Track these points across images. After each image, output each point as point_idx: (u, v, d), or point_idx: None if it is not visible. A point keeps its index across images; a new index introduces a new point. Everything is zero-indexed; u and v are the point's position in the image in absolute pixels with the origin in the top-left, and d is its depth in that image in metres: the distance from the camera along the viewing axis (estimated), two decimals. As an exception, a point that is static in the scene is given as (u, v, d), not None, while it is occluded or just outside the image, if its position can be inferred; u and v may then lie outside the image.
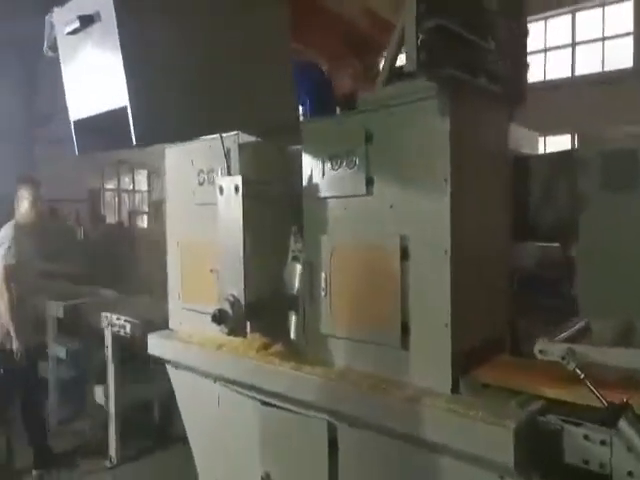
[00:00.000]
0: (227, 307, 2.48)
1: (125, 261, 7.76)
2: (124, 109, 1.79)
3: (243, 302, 2.48)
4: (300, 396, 2.45)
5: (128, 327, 4.02)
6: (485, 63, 2.04)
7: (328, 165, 2.38)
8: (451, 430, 1.88)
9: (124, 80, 1.75)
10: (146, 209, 21.48)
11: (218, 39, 2.02)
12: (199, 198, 3.07)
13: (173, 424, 4.97)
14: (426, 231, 2.05)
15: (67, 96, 2.10)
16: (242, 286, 2.47)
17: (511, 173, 2.43)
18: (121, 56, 1.74)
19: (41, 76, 16.92)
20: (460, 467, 1.96)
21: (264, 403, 2.72)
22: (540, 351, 1.82)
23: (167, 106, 1.86)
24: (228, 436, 3.02)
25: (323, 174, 2.40)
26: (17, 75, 16.89)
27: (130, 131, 1.77)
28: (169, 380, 3.44)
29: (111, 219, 18.99)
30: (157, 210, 16.17)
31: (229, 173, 2.72)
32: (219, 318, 2.47)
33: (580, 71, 13.49)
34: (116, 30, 1.73)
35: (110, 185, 21.98)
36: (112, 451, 4.49)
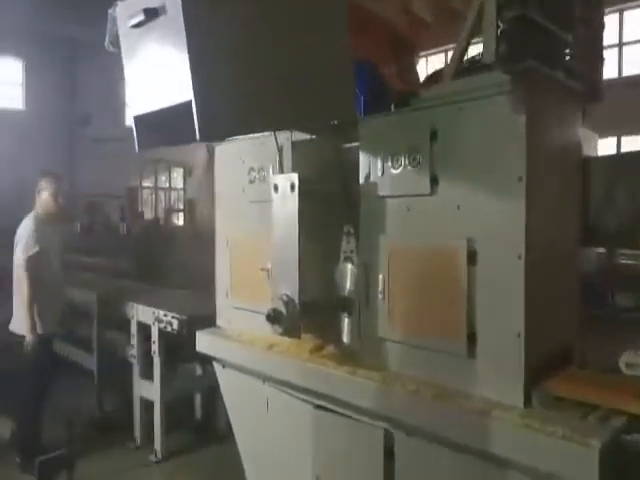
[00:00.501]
0: (281, 307, 2.41)
1: (164, 256, 7.83)
2: (188, 104, 1.73)
3: (297, 302, 2.40)
4: (356, 401, 2.37)
5: (175, 323, 4.00)
6: (563, 56, 1.91)
7: (388, 163, 2.29)
8: (526, 446, 1.78)
9: (189, 74, 1.70)
10: (181, 207, 21.81)
11: (281, 32, 1.95)
12: (250, 196, 3.02)
13: (216, 420, 4.98)
14: (497, 234, 1.94)
15: (128, 91, 2.07)
16: (297, 286, 2.40)
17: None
18: (187, 50, 1.69)
19: (81, 77, 17.28)
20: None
21: (317, 406, 2.64)
22: (627, 365, 1.68)
23: (231, 100, 1.80)
24: (277, 438, 2.95)
25: (382, 172, 2.31)
26: (58, 76, 17.29)
27: (194, 126, 1.70)
28: (212, 376, 3.39)
29: (148, 216, 19.32)
30: (192, 207, 16.40)
31: (282, 171, 2.65)
32: (273, 318, 2.40)
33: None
34: (182, 24, 1.68)
35: (147, 183, 22.33)
36: (157, 445, 4.50)
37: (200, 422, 5.25)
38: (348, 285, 2.68)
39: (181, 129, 1.94)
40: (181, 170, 22.36)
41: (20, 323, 4.32)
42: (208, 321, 3.53)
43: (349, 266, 2.67)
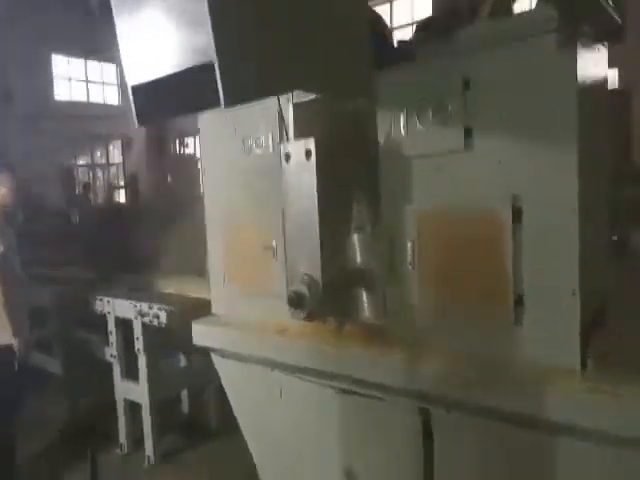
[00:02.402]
0: (303, 288, 2.34)
1: (123, 240, 7.63)
2: (206, 66, 1.62)
3: (321, 282, 2.34)
4: (392, 383, 2.35)
5: (163, 316, 3.89)
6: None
7: (413, 119, 2.22)
8: (596, 411, 1.77)
9: (209, 31, 1.57)
10: (122, 183, 21.43)
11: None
12: (246, 168, 2.91)
13: (206, 414, 4.94)
14: (547, 188, 1.92)
15: (123, 58, 1.93)
16: (319, 264, 2.33)
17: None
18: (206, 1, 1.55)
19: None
20: (591, 449, 1.86)
21: (340, 390, 2.60)
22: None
23: (256, 58, 1.70)
24: (294, 429, 2.91)
25: (407, 131, 2.24)
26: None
27: (215, 91, 1.60)
28: (198, 367, 3.31)
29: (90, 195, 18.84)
30: (133, 183, 16.08)
31: (287, 137, 2.56)
32: (295, 301, 2.33)
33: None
34: None
35: (82, 161, 21.79)
36: (149, 450, 4.42)
37: (189, 418, 5.20)
38: (359, 257, 2.64)
39: (193, 95, 1.85)
40: (119, 143, 21.91)
41: None
42: (200, 310, 3.46)
43: (361, 236, 2.63)
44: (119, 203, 17.54)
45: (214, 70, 1.61)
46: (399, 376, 2.32)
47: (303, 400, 2.82)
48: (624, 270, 2.74)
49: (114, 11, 1.92)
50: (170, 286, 4.57)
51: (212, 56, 1.60)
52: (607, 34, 2.17)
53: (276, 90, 2.08)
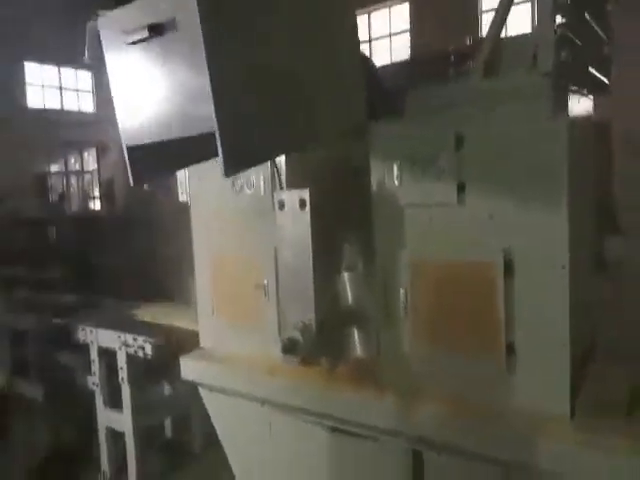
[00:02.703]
0: (297, 335, 2.40)
1: (104, 258, 7.58)
2: (209, 136, 1.67)
3: (315, 328, 2.40)
4: (385, 425, 2.41)
5: (148, 348, 3.90)
6: (600, 54, 1.97)
7: (406, 171, 2.29)
8: (586, 463, 1.86)
9: (211, 102, 1.62)
10: (96, 191, 21.23)
11: (296, 40, 1.90)
12: (237, 207, 2.96)
13: (190, 436, 4.95)
14: (537, 244, 2.01)
15: (119, 117, 1.97)
16: (313, 312, 2.39)
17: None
18: (208, 73, 1.60)
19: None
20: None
21: (332, 429, 2.66)
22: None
23: (256, 126, 1.75)
24: (284, 465, 2.96)
25: (400, 181, 2.32)
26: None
27: (220, 161, 1.65)
28: (183, 394, 3.33)
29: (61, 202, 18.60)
30: (109, 190, 15.94)
31: (280, 183, 2.63)
32: (289, 348, 2.39)
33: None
34: (201, 41, 1.59)
35: (56, 168, 21.57)
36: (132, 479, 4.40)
37: (172, 442, 5.19)
38: (351, 296, 2.71)
39: (187, 150, 1.90)
40: (93, 150, 21.72)
41: None
42: (191, 343, 3.49)
43: (352, 276, 2.70)
44: (97, 213, 17.32)
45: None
46: (391, 419, 2.39)
47: (293, 436, 2.87)
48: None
49: (108, 71, 1.95)
50: (155, 316, 4.57)
51: (213, 127, 1.64)
52: (594, 90, 2.27)
53: (276, 154, 2.14)
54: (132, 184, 2.08)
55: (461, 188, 2.16)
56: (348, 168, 2.58)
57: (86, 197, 21.16)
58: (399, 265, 2.37)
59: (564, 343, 1.99)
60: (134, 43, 1.78)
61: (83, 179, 22.59)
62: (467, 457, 2.19)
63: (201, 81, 1.62)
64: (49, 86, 19.17)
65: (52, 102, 19.27)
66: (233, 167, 1.71)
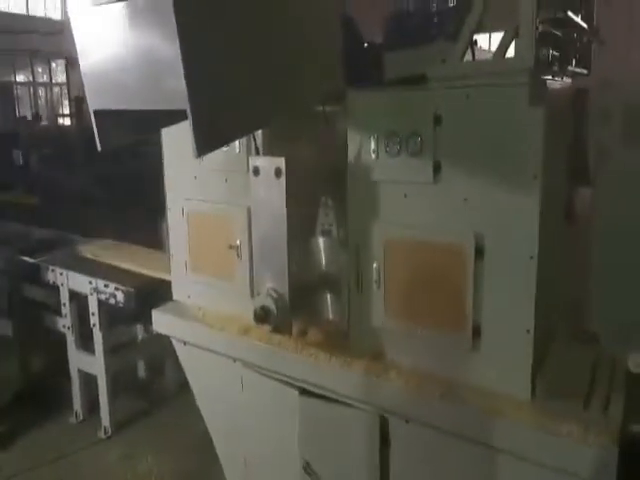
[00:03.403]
0: (270, 303, 2.49)
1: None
2: (176, 112, 1.68)
3: (288, 297, 2.49)
4: (352, 394, 2.54)
5: (120, 296, 3.99)
6: (578, 44, 1.98)
7: (382, 145, 2.32)
8: (542, 445, 2.01)
9: (182, 77, 1.59)
10: (66, 105, 20.70)
11: (269, 5, 1.88)
12: (209, 164, 2.96)
13: (162, 377, 5.14)
14: (508, 232, 2.08)
15: (85, 80, 1.95)
16: (286, 280, 2.47)
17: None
18: (178, 44, 1.57)
19: None
20: (532, 470, 2.11)
21: (302, 391, 2.80)
22: (636, 365, 1.93)
23: (228, 102, 1.74)
24: (255, 419, 3.12)
25: (377, 155, 2.35)
26: None
27: (192, 141, 1.67)
28: (157, 337, 3.45)
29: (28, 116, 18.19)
30: (79, 106, 15.54)
31: (256, 147, 2.64)
32: (262, 316, 2.48)
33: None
34: (172, 8, 1.54)
35: (22, 78, 20.98)
36: (105, 421, 4.59)
37: (145, 382, 5.38)
38: (325, 260, 2.79)
39: (158, 118, 1.90)
40: (63, 62, 21.08)
41: None
42: (160, 292, 3.58)
43: (327, 240, 2.77)
44: (67, 129, 16.84)
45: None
46: (358, 389, 2.52)
47: (264, 393, 3.01)
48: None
49: (73, 29, 1.92)
50: (126, 260, 4.62)
51: (184, 105, 1.65)
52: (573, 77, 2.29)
53: (251, 130, 2.14)
54: (99, 149, 2.08)
55: (437, 168, 2.20)
56: (326, 133, 2.60)
57: (55, 112, 20.59)
58: (372, 239, 2.43)
59: (528, 329, 2.09)
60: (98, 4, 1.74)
61: (52, 91, 21.97)
62: (432, 427, 2.34)
63: (171, 52, 1.59)
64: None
65: (17, 7, 18.51)
66: (206, 147, 1.72)
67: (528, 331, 2.10)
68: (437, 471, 2.43)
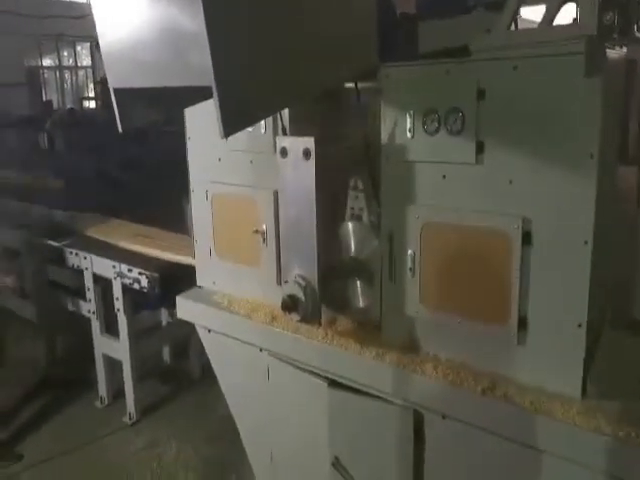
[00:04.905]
0: (298, 292, 2.34)
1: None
2: (201, 89, 1.53)
3: (317, 285, 2.34)
4: (385, 388, 2.40)
5: (144, 281, 3.88)
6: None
7: (419, 122, 2.15)
8: (592, 448, 1.85)
9: (208, 53, 1.45)
10: (91, 88, 20.75)
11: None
12: (234, 144, 2.82)
13: (187, 362, 5.06)
14: (560, 216, 1.90)
15: (104, 56, 1.82)
16: (315, 268, 2.32)
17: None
18: (203, 18, 1.43)
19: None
20: (582, 474, 1.94)
21: (331, 383, 2.66)
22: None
23: (258, 77, 1.60)
24: (282, 411, 2.99)
25: (413, 134, 2.17)
26: None
27: (218, 121, 1.52)
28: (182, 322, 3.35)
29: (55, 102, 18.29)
30: (104, 90, 15.53)
31: (283, 126, 2.48)
32: (290, 305, 2.34)
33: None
34: None
35: (48, 61, 21.06)
36: (130, 407, 4.53)
37: (170, 367, 5.32)
38: (354, 246, 2.63)
39: (182, 96, 1.78)
40: (87, 45, 21.11)
41: None
42: (185, 277, 3.46)
43: (357, 225, 2.61)
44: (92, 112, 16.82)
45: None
46: (391, 383, 2.37)
47: (291, 384, 2.88)
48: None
49: (93, 10, 1.79)
50: (151, 245, 4.51)
51: (209, 81, 1.51)
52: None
53: (279, 108, 1.99)
54: (120, 129, 1.96)
55: (480, 147, 2.02)
56: (357, 113, 2.43)
57: (80, 95, 20.62)
58: (406, 223, 2.27)
59: (580, 324, 1.92)
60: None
61: (77, 74, 22.02)
62: (471, 426, 2.18)
63: (195, 25, 1.46)
64: (38, -28, 18.29)
65: (43, -9, 18.48)
66: (233, 126, 1.59)
67: (580, 325, 1.92)
68: (474, 470, 2.28)
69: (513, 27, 2.14)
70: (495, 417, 2.08)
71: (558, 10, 2.02)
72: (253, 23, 1.59)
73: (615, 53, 2.07)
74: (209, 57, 1.47)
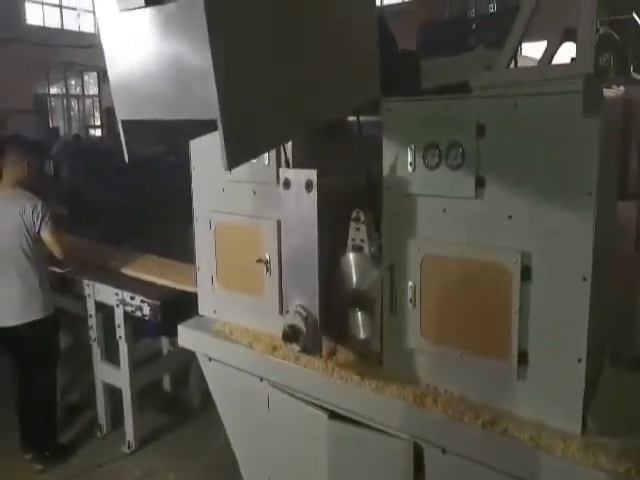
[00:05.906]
0: (299, 322, 2.35)
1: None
2: (209, 122, 1.56)
3: (318, 316, 2.34)
4: (385, 420, 2.39)
5: (146, 309, 3.89)
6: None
7: (420, 157, 2.18)
8: None
9: (213, 86, 1.49)
10: (97, 116, 20.95)
11: (304, 10, 1.76)
12: (236, 175, 2.83)
13: (187, 391, 5.03)
14: (559, 252, 1.91)
15: (113, 88, 1.86)
16: (317, 299, 2.33)
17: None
18: (210, 53, 1.47)
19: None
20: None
21: (331, 415, 2.65)
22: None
23: (262, 111, 1.64)
24: (281, 441, 2.97)
25: (414, 167, 2.20)
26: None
27: (222, 153, 1.55)
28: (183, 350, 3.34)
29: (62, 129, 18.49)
30: (110, 119, 15.69)
31: (287, 159, 2.51)
32: (291, 335, 2.34)
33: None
34: (204, 16, 1.44)
35: (55, 89, 21.32)
36: (129, 435, 4.49)
37: (170, 396, 5.28)
38: (355, 277, 2.64)
39: (188, 128, 1.81)
40: (95, 74, 21.39)
41: (22, 309, 4.15)
42: (186, 305, 3.47)
43: (358, 256, 2.61)
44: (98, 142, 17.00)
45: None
46: (391, 416, 2.36)
47: (291, 415, 2.87)
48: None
49: (101, 37, 1.83)
50: (154, 273, 4.52)
51: (215, 114, 1.54)
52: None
53: (283, 141, 2.02)
54: (126, 159, 1.98)
55: (479, 181, 2.05)
56: (359, 145, 2.46)
57: (86, 123, 20.83)
58: (407, 256, 2.28)
59: (580, 359, 1.92)
60: (128, 9, 1.64)
61: (84, 103, 22.28)
62: (471, 460, 2.16)
63: (202, 60, 1.50)
64: (49, 4, 18.66)
65: (52, 21, 18.81)
66: (237, 159, 1.62)
67: (579, 360, 1.92)
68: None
69: (513, 65, 2.18)
70: (495, 452, 2.06)
71: (557, 49, 2.06)
72: (258, 59, 1.63)
73: (612, 92, 2.10)
74: (215, 91, 1.50)
